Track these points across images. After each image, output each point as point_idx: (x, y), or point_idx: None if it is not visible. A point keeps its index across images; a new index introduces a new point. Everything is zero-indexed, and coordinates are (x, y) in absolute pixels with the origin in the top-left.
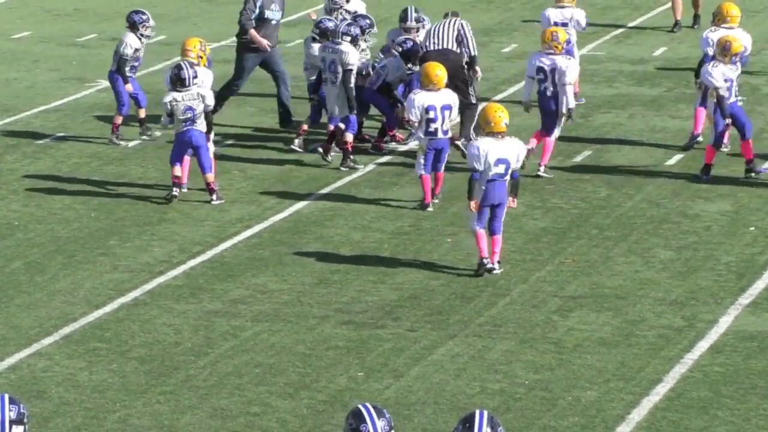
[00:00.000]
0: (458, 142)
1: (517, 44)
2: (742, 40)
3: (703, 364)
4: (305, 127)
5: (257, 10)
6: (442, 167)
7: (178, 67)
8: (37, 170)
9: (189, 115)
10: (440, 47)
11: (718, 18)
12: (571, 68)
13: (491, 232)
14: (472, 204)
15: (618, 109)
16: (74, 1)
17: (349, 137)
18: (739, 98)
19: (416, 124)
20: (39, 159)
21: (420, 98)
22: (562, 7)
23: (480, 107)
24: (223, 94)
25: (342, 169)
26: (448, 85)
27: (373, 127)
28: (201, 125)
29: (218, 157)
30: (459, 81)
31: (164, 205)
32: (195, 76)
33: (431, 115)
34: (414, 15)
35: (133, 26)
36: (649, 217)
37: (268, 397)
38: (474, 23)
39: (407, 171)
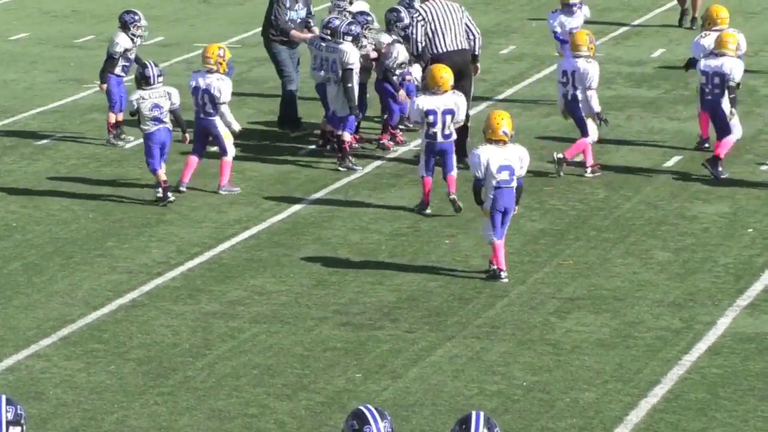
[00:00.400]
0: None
1: (515, 46)
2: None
3: (701, 366)
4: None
5: (288, 13)
6: (452, 170)
7: (143, 66)
8: (35, 171)
9: (156, 113)
10: (457, 45)
11: (708, 22)
12: (592, 72)
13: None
14: (483, 211)
15: (616, 111)
16: (72, 2)
17: (347, 137)
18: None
19: (418, 127)
20: (37, 160)
21: (421, 102)
22: (572, 14)
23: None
24: (287, 100)
25: (340, 169)
26: (454, 86)
27: (373, 128)
28: (170, 124)
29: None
30: (465, 81)
31: (162, 206)
32: (160, 75)
33: (431, 119)
34: None
35: (124, 26)
36: (647, 218)
37: (266, 399)
38: None
39: (405, 172)
